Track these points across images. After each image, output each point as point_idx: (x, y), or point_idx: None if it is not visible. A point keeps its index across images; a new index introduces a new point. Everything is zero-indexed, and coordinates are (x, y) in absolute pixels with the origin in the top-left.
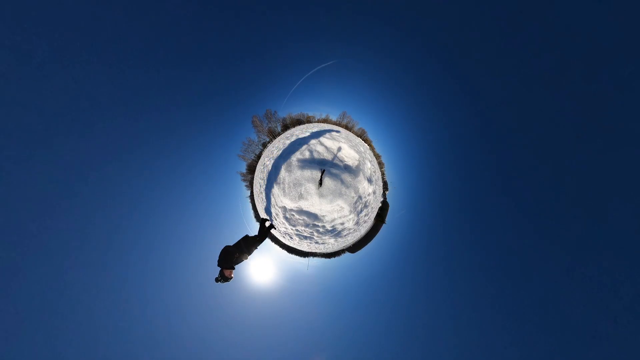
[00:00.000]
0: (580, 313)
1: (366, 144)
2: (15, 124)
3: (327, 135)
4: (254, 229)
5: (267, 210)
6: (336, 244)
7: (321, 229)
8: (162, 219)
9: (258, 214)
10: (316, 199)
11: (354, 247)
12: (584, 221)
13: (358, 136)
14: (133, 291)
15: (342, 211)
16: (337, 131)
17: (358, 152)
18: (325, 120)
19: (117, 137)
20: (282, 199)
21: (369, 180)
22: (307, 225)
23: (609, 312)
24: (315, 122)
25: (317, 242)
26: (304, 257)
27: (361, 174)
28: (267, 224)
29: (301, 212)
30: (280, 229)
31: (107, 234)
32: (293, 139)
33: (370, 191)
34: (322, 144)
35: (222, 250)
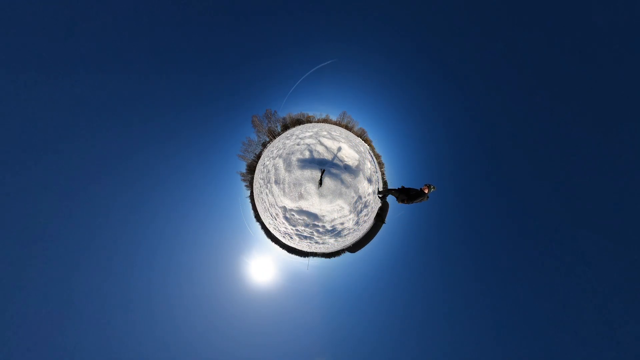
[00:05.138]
0: (574, 312)
1: (366, 144)
2: (21, 129)
3: (327, 135)
4: (253, 229)
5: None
6: (336, 244)
7: (321, 229)
8: (163, 219)
9: (258, 214)
10: (316, 199)
11: (354, 247)
12: (579, 222)
13: (358, 136)
14: (135, 290)
15: (342, 211)
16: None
17: (358, 152)
18: (325, 120)
19: (117, 139)
20: (282, 199)
21: (369, 180)
22: (307, 225)
23: (604, 312)
24: (315, 121)
25: (317, 242)
26: (304, 257)
27: (361, 174)
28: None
29: (301, 212)
30: (280, 229)
31: (108, 235)
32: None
33: (370, 191)
34: (322, 144)
35: (403, 197)
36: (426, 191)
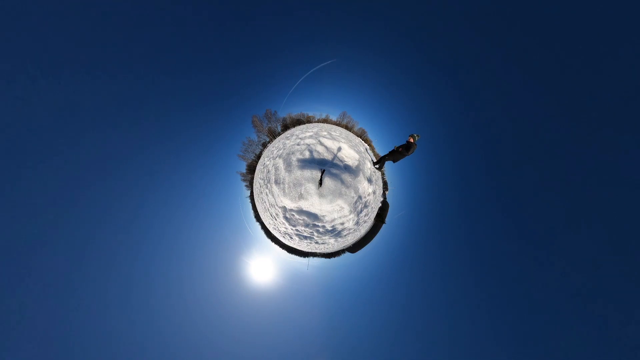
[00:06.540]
0: (570, 312)
1: (366, 144)
2: (23, 130)
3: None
4: (253, 229)
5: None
6: (336, 244)
7: (321, 229)
8: (162, 219)
9: (258, 214)
10: (316, 199)
11: (354, 247)
12: (577, 224)
13: (358, 136)
14: (133, 290)
15: (342, 211)
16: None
17: (358, 152)
18: (325, 120)
19: (116, 139)
20: (282, 199)
21: (369, 180)
22: (307, 225)
23: (601, 313)
24: (315, 122)
25: (317, 242)
26: (304, 257)
27: (361, 174)
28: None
29: (301, 212)
30: (280, 229)
31: (107, 235)
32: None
33: (370, 191)
34: (322, 144)
35: (397, 157)
36: (412, 141)
